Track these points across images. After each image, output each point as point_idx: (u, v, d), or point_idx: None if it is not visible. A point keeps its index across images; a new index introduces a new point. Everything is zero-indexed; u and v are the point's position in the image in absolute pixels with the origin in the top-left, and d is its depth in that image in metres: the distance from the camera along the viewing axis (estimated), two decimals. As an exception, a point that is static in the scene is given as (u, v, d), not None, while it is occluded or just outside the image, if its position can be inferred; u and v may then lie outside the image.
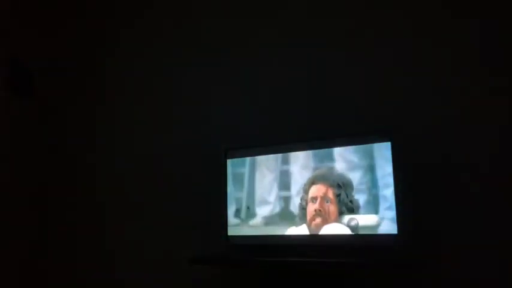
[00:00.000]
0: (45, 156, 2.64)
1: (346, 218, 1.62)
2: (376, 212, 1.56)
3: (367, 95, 1.82)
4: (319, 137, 1.74)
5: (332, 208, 1.64)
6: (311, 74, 1.95)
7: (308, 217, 1.68)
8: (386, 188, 1.55)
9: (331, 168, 1.67)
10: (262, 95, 2.06)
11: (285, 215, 1.74)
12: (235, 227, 1.84)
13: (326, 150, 1.69)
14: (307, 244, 1.69)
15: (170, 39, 2.37)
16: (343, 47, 1.90)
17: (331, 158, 1.68)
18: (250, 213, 1.82)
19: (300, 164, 1.74)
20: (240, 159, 1.87)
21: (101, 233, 2.40)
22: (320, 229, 1.65)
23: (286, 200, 1.75)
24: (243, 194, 1.84)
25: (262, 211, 1.79)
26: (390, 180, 1.54)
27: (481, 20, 1.66)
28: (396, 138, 1.57)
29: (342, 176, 1.64)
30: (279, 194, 1.77)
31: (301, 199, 1.71)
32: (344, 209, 1.62)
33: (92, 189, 2.49)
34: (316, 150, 1.71)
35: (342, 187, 1.63)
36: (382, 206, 1.55)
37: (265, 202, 1.79)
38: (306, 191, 1.70)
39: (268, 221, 1.77)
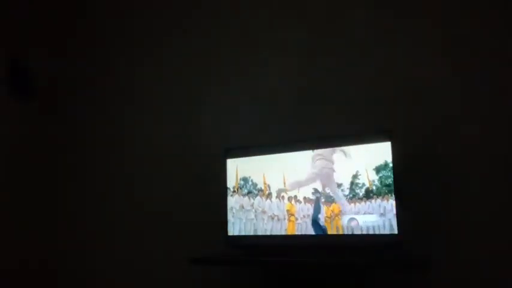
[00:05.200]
0: (45, 156, 2.64)
1: (347, 217, 1.62)
2: (376, 211, 1.56)
3: (367, 95, 1.81)
4: (319, 137, 1.74)
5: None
6: (311, 74, 1.95)
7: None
8: (386, 187, 1.55)
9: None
10: (262, 95, 2.06)
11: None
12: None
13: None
14: (307, 244, 1.69)
15: (170, 39, 2.37)
16: (343, 47, 1.90)
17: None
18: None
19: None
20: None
21: (101, 233, 2.40)
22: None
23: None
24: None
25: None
26: (390, 180, 1.55)
27: (480, 20, 1.66)
28: (396, 138, 1.57)
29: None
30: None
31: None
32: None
33: (92, 189, 2.49)
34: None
35: None
36: (382, 206, 1.55)
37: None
38: None
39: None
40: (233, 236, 1.84)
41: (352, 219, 1.60)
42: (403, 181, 1.54)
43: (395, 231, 1.51)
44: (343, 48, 1.90)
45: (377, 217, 1.55)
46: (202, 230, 2.06)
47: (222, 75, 2.17)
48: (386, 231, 1.53)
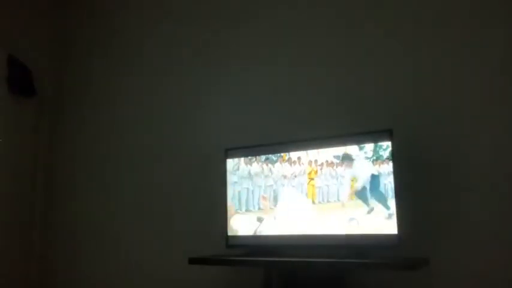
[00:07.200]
0: (44, 155, 2.64)
1: (347, 217, 1.62)
2: (376, 211, 1.56)
3: (367, 95, 1.82)
4: (320, 137, 1.74)
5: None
6: (311, 74, 1.95)
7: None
8: (387, 187, 1.55)
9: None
10: (262, 95, 2.06)
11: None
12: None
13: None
14: (307, 244, 1.69)
15: (170, 40, 2.37)
16: (343, 47, 1.90)
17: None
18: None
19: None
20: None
21: (102, 233, 2.40)
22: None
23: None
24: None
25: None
26: (390, 179, 1.55)
27: (480, 20, 1.66)
28: (396, 138, 1.57)
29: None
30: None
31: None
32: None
33: (91, 189, 2.49)
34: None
35: None
36: (382, 205, 1.55)
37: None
38: None
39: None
40: (233, 236, 1.84)
41: (352, 219, 1.61)
42: (403, 181, 1.54)
43: (395, 231, 1.51)
44: (343, 48, 1.90)
45: (377, 216, 1.56)
46: (202, 230, 2.06)
47: (223, 76, 2.17)
48: (386, 231, 1.53)
